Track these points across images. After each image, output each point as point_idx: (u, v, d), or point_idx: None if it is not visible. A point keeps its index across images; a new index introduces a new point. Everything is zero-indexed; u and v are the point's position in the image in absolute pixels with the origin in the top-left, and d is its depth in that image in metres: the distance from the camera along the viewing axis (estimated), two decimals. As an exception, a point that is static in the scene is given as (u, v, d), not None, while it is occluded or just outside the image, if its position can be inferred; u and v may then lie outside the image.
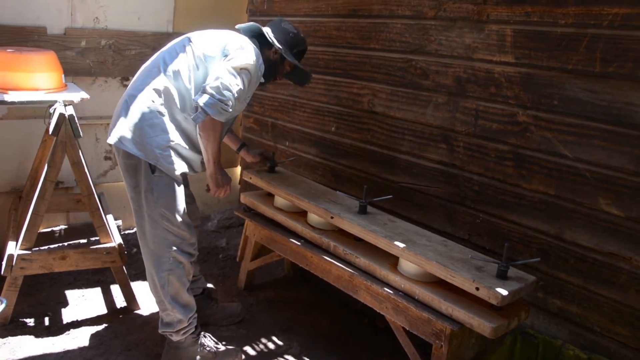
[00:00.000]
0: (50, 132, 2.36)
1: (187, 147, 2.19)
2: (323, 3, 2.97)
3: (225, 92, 2.03)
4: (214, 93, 2.01)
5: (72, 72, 3.13)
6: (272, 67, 2.33)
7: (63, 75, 2.80)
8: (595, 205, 2.01)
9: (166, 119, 2.12)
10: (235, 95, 2.06)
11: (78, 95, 2.61)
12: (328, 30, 2.97)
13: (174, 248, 2.18)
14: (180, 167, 2.16)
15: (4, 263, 2.38)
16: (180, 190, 2.18)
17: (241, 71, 2.09)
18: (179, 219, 2.16)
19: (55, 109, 2.43)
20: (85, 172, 2.44)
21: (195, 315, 2.28)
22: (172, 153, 2.13)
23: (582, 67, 1.99)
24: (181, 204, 2.18)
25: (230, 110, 2.06)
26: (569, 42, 2.02)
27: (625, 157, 1.91)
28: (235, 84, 2.06)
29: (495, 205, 2.32)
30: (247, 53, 2.13)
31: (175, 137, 2.14)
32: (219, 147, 2.17)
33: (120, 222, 3.52)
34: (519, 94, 2.18)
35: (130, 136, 2.09)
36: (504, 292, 1.81)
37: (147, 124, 2.10)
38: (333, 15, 2.93)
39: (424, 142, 2.55)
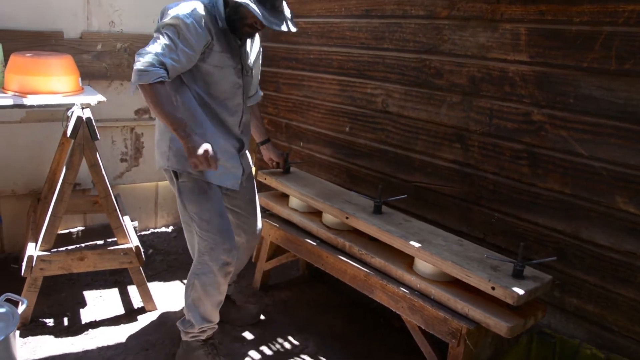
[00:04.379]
0: (68, 135, 2.39)
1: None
2: (336, 4, 2.98)
3: (143, 54, 1.97)
4: (135, 61, 1.97)
5: (89, 75, 3.17)
6: (232, 15, 2.12)
7: (80, 79, 2.84)
8: (612, 203, 2.00)
9: None
10: (160, 51, 1.97)
11: (95, 98, 2.64)
12: (341, 31, 2.97)
13: (205, 253, 2.16)
14: (184, 161, 2.12)
15: (24, 264, 2.42)
16: (210, 194, 2.17)
17: (164, 29, 2.02)
18: (209, 223, 2.14)
19: (72, 112, 2.47)
20: (103, 174, 2.47)
21: (213, 327, 2.27)
22: (172, 146, 2.16)
23: (598, 65, 1.98)
24: (210, 208, 2.16)
25: (153, 70, 1.94)
26: (584, 40, 2.01)
27: (642, 155, 1.90)
28: (157, 44, 1.99)
29: (510, 204, 2.31)
30: (173, 11, 2.03)
31: (168, 130, 2.11)
32: (168, 111, 2.00)
33: (136, 223, 3.56)
34: (533, 92, 2.17)
35: (156, 151, 2.28)
36: (520, 292, 1.80)
37: (158, 132, 2.27)
38: (346, 16, 2.93)
39: (438, 141, 2.55)
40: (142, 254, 2.63)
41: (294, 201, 2.69)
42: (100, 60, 3.22)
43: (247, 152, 2.42)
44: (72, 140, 2.40)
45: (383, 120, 2.80)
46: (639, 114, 1.89)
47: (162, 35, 2.01)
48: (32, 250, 2.47)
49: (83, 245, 3.25)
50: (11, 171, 3.12)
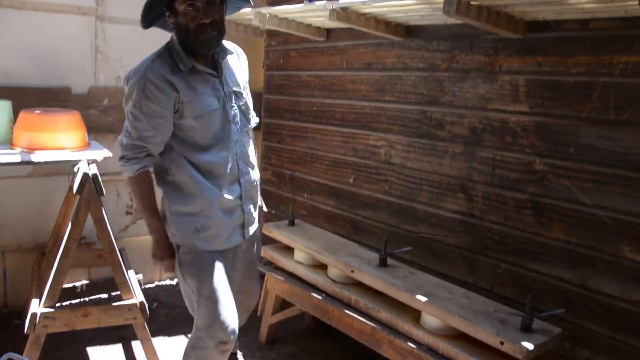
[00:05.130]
0: (74, 191, 2.41)
1: (180, 205, 2.04)
2: (338, 57, 3.05)
3: (121, 143, 1.97)
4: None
5: (95, 129, 3.22)
6: (179, 28, 1.92)
7: (86, 134, 2.88)
8: (619, 252, 1.98)
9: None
10: (134, 135, 1.92)
11: (101, 153, 2.68)
12: (343, 83, 3.03)
13: (202, 328, 2.03)
14: (186, 235, 2.03)
15: (27, 322, 2.40)
16: (212, 268, 2.03)
17: (127, 107, 1.94)
18: (208, 299, 2.01)
19: (79, 168, 2.50)
20: (108, 230, 2.48)
21: None
22: (173, 219, 2.06)
23: (597, 114, 2.00)
24: (211, 283, 2.01)
25: (132, 162, 1.93)
26: (582, 91, 2.04)
27: (646, 204, 1.90)
28: (126, 128, 1.94)
29: (516, 254, 2.30)
30: (130, 81, 1.92)
31: (169, 201, 2.05)
32: (145, 207, 2.00)
33: (141, 276, 3.54)
34: (534, 142, 2.19)
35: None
36: (530, 346, 1.77)
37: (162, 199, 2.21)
38: (348, 69, 3.00)
39: (442, 192, 2.56)
40: (147, 309, 2.60)
41: (299, 254, 2.68)
42: (107, 114, 3.28)
43: (255, 196, 2.21)
44: (78, 196, 2.42)
45: (386, 171, 2.82)
46: (639, 162, 1.90)
47: (128, 115, 1.94)
48: (36, 307, 2.45)
49: (87, 299, 3.23)
50: (18, 225, 3.13)
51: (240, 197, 2.11)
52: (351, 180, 3.04)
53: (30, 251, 3.18)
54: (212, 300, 2.01)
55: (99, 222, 2.46)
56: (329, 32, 3.05)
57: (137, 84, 1.88)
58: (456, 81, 2.45)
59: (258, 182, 2.22)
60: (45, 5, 3.04)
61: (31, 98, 3.01)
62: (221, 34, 1.93)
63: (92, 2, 3.17)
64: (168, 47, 1.97)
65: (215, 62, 2.03)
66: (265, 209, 2.42)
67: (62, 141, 2.68)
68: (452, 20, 2.21)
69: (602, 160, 2.00)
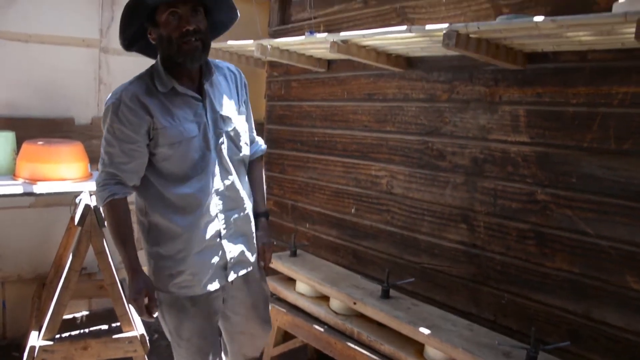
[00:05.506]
0: (75, 223, 2.41)
1: (154, 246, 1.88)
2: (339, 88, 3.08)
3: (97, 178, 1.86)
4: None
5: (97, 160, 3.21)
6: (160, 40, 1.77)
7: (89, 164, 2.90)
8: (623, 283, 1.96)
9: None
10: (106, 162, 1.81)
11: (103, 184, 2.68)
12: (344, 114, 3.05)
13: None
14: (160, 279, 1.86)
15: (25, 355, 2.37)
16: (193, 312, 1.89)
17: (103, 130, 1.82)
18: (189, 341, 1.91)
19: (81, 199, 2.50)
20: (109, 261, 2.47)
21: None
22: (149, 260, 1.91)
23: (597, 144, 2.01)
24: (191, 327, 1.90)
25: (101, 189, 1.81)
26: (582, 121, 2.05)
27: (648, 234, 1.89)
28: (102, 153, 1.83)
29: (519, 284, 2.28)
30: (106, 105, 1.80)
31: (144, 241, 1.91)
32: (116, 236, 1.83)
33: (141, 307, 3.51)
34: (536, 172, 2.19)
35: None
36: (535, 379, 1.75)
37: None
38: (349, 99, 3.02)
39: (444, 222, 2.55)
40: (147, 341, 2.58)
41: (301, 285, 2.67)
42: (110, 145, 3.29)
43: (247, 232, 2.01)
44: (80, 228, 2.42)
45: (388, 201, 2.82)
46: (641, 192, 1.90)
47: (103, 140, 1.82)
48: (35, 339, 2.43)
49: (87, 330, 3.20)
50: (19, 256, 3.13)
51: (220, 235, 1.90)
52: (353, 210, 3.04)
53: (30, 282, 3.17)
54: (192, 342, 1.92)
55: (101, 254, 2.46)
56: (329, 63, 3.09)
57: (111, 106, 1.76)
58: (457, 112, 2.47)
59: (250, 216, 2.02)
60: (51, 38, 3.09)
61: (35, 129, 3.04)
62: (205, 46, 1.79)
63: (97, 34, 3.23)
64: (151, 69, 1.86)
65: (201, 85, 1.88)
66: (270, 247, 2.12)
67: (64, 172, 2.70)
68: (451, 52, 2.24)
69: (604, 190, 2.00)
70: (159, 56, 1.84)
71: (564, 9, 2.04)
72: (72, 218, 2.76)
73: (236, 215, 1.94)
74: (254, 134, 2.16)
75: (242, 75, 2.07)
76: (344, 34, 2.31)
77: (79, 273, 2.47)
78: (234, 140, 1.94)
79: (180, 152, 1.81)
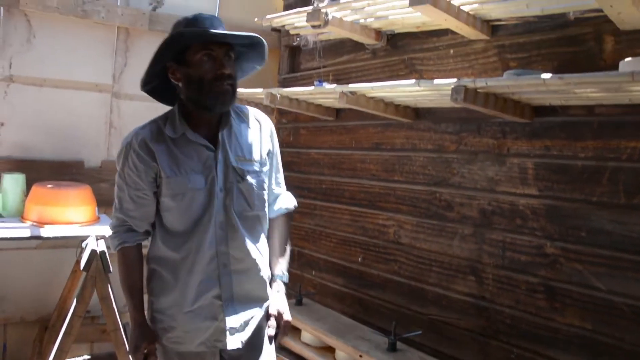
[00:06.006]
0: (81, 268, 2.41)
1: (152, 296, 1.79)
2: (347, 137, 3.10)
3: (111, 222, 1.82)
4: None
5: (106, 202, 3.22)
6: (188, 81, 1.68)
7: (97, 208, 2.91)
8: (638, 341, 1.92)
9: None
10: (117, 207, 1.76)
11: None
12: (352, 162, 3.06)
13: None
14: (157, 330, 1.76)
15: (24, 403, 2.33)
16: None
17: (115, 187, 1.78)
18: None
19: (87, 244, 2.50)
20: (113, 307, 2.45)
21: None
22: (149, 309, 1.81)
23: (607, 199, 1.99)
24: None
25: (112, 237, 1.78)
26: (590, 175, 2.04)
27: (662, 291, 1.86)
28: (113, 203, 1.78)
29: (529, 339, 2.23)
30: (120, 148, 1.77)
31: (147, 290, 1.82)
32: (123, 285, 1.76)
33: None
34: (545, 225, 2.18)
35: None
36: None
37: None
38: (357, 148, 3.04)
39: (452, 273, 2.52)
40: (148, 390, 2.53)
41: (306, 335, 2.63)
42: (118, 188, 3.31)
43: (255, 297, 1.82)
44: (85, 273, 2.41)
45: (395, 251, 2.80)
46: (653, 248, 1.88)
47: (116, 183, 1.77)
48: (35, 387, 2.39)
49: (88, 376, 3.15)
50: (22, 297, 3.11)
51: (219, 298, 1.73)
52: (360, 259, 3.02)
53: (32, 324, 3.13)
54: None
55: (105, 299, 2.44)
56: (338, 112, 3.12)
57: (123, 150, 1.72)
58: (465, 163, 2.47)
59: (262, 274, 1.82)
60: (65, 82, 3.15)
61: (45, 171, 3.06)
62: (234, 93, 1.72)
63: (109, 79, 3.29)
64: (168, 113, 1.79)
65: (216, 134, 1.75)
66: (286, 316, 1.83)
67: (71, 215, 2.70)
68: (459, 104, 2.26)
69: (615, 244, 1.98)
70: (182, 92, 1.72)
71: (571, 64, 2.07)
72: (78, 261, 2.75)
73: (243, 278, 1.76)
74: (281, 188, 2.00)
75: (270, 124, 1.93)
76: (352, 86, 2.34)
77: (82, 318, 2.45)
78: (246, 196, 1.77)
79: (183, 205, 1.70)
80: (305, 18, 2.60)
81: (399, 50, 2.76)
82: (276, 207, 1.95)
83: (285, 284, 1.90)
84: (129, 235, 1.77)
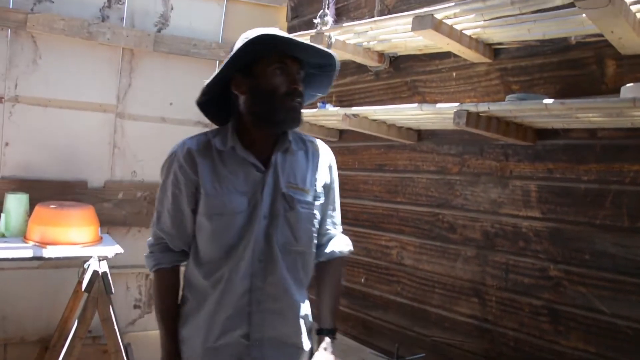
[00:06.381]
0: (83, 289, 2.41)
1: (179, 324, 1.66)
2: (350, 158, 3.11)
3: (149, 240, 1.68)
4: None
5: (108, 222, 3.25)
6: (256, 95, 1.55)
7: (99, 228, 2.91)
8: (641, 365, 1.91)
9: None
10: (154, 222, 1.64)
11: (112, 249, 2.69)
12: (355, 183, 3.07)
13: None
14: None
15: None
16: None
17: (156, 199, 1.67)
18: None
19: (89, 265, 2.50)
20: (114, 329, 2.45)
21: None
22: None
23: (610, 222, 1.99)
24: None
25: (148, 256, 1.65)
26: (594, 198, 2.04)
27: (666, 314, 1.85)
28: (153, 218, 1.66)
29: (533, 363, 2.22)
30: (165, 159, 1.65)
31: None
32: (157, 311, 1.66)
33: (146, 374, 3.44)
34: (548, 248, 2.17)
35: None
36: None
37: None
38: (360, 169, 3.04)
39: (455, 295, 2.52)
40: (149, 412, 2.51)
41: (308, 357, 2.61)
42: (121, 208, 3.32)
43: (289, 340, 1.64)
44: (87, 294, 2.41)
45: (398, 272, 2.79)
46: (657, 272, 1.87)
47: (157, 194, 1.66)
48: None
49: (88, 397, 3.12)
50: (23, 317, 3.10)
51: (247, 337, 1.56)
52: (363, 280, 3.01)
53: (33, 344, 3.12)
54: None
55: (106, 320, 2.43)
56: (341, 133, 3.13)
57: (168, 160, 1.61)
58: (467, 185, 2.47)
59: (300, 319, 1.65)
60: (69, 103, 3.18)
61: (48, 191, 3.07)
62: (301, 112, 1.60)
63: (114, 100, 3.31)
64: (220, 128, 1.65)
65: (269, 157, 1.60)
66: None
67: (74, 236, 2.71)
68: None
69: (618, 268, 1.97)
70: (237, 114, 1.60)
71: (573, 87, 2.08)
72: (80, 282, 2.75)
73: (277, 319, 1.58)
74: (337, 230, 1.83)
75: (332, 156, 1.79)
76: (355, 109, 2.35)
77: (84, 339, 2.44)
78: (293, 227, 1.60)
79: (219, 227, 1.54)
80: (309, 41, 2.62)
81: (402, 72, 2.78)
82: (328, 249, 1.76)
83: (333, 337, 1.68)
84: (165, 256, 1.64)
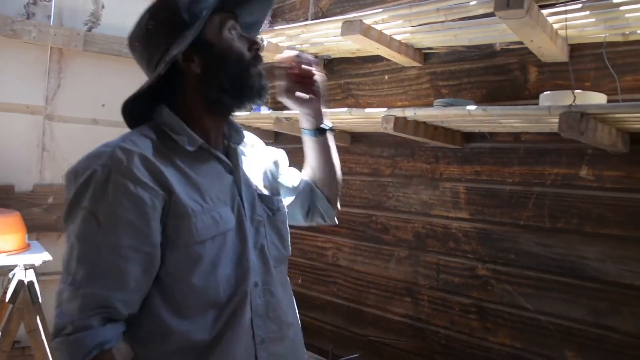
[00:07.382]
0: (7, 300, 2.30)
1: None
2: (286, 159, 3.10)
3: (55, 316, 1.10)
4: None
5: (38, 228, 3.13)
6: (210, 64, 1.17)
7: (26, 235, 2.79)
8: (562, 358, 1.99)
9: None
10: (77, 289, 1.05)
11: (40, 257, 2.58)
12: (292, 184, 3.07)
13: None
14: None
15: None
16: None
17: (67, 245, 1.11)
18: None
19: (14, 274, 2.40)
20: (42, 340, 2.36)
21: None
22: None
23: (533, 222, 2.07)
24: None
25: (73, 339, 1.04)
26: (518, 199, 2.12)
27: (583, 309, 1.93)
28: (64, 282, 1.09)
29: (464, 359, 2.28)
30: (77, 181, 1.12)
31: None
32: None
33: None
34: (476, 248, 2.24)
35: None
36: None
37: None
38: (296, 170, 3.04)
39: (389, 295, 2.56)
40: None
41: None
42: (51, 212, 3.20)
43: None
44: (11, 305, 2.31)
45: (334, 273, 2.82)
46: (576, 269, 1.96)
47: (71, 241, 1.09)
48: None
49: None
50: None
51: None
52: (299, 281, 3.02)
53: (-44, 359, 2.97)
54: None
55: (33, 332, 2.34)
56: (276, 135, 3.12)
57: (92, 177, 1.07)
58: (400, 187, 2.52)
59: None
60: (-7, 104, 3.03)
61: (-28, 196, 2.93)
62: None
63: (42, 101, 3.18)
64: (153, 124, 1.20)
65: (227, 150, 1.26)
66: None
67: (-1, 244, 2.59)
68: (393, 130, 2.30)
69: (541, 266, 2.05)
70: (175, 101, 1.20)
71: (498, 92, 2.15)
72: (4, 292, 2.63)
73: (278, 348, 1.22)
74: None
75: (260, 142, 1.51)
76: (287, 112, 2.35)
77: (9, 352, 2.34)
78: (279, 233, 1.30)
79: (213, 255, 1.10)
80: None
81: (336, 75, 2.80)
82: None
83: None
84: (109, 330, 1.05)
